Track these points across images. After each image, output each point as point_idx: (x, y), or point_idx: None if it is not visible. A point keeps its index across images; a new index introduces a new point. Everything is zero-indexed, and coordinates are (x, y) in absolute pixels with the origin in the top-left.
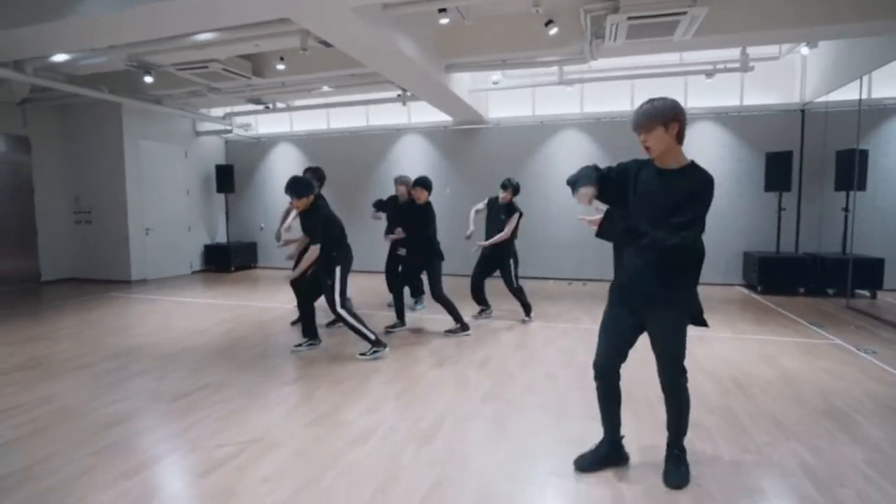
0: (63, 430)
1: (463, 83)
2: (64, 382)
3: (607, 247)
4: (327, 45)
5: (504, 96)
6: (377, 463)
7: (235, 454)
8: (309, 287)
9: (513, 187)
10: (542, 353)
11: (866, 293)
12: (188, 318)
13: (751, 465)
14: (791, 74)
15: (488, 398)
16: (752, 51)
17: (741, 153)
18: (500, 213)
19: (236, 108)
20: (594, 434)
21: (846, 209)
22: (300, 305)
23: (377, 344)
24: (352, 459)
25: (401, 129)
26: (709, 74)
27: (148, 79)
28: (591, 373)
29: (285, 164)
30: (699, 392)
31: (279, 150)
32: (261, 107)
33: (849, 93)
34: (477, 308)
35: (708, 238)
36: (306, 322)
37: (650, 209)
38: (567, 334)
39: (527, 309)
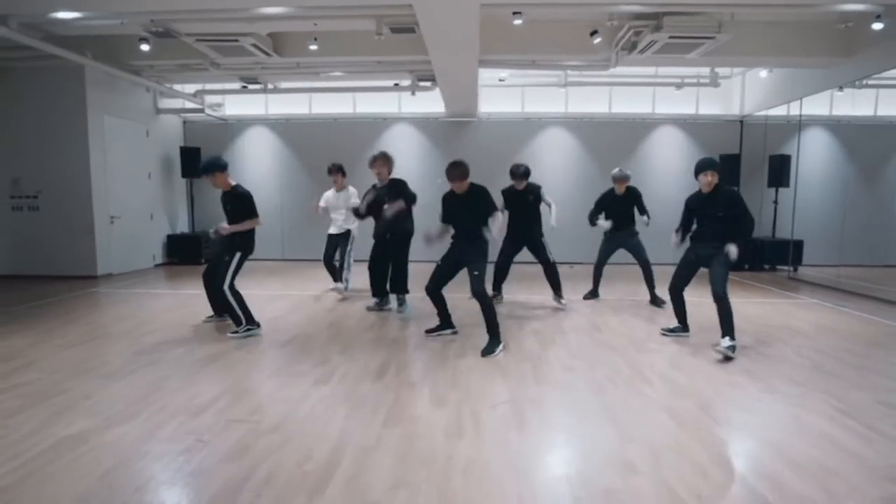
0: (363, 413)
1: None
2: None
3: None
4: (402, 31)
5: (494, 92)
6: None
7: (515, 411)
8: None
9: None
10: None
11: (788, 268)
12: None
13: None
14: (730, 92)
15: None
16: (704, 71)
17: (697, 154)
18: (529, 195)
19: (207, 86)
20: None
21: (775, 202)
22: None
23: (251, 322)
24: (669, 405)
25: (389, 118)
26: (678, 87)
27: (145, 47)
28: None
29: (258, 149)
30: (804, 334)
31: (251, 134)
32: (243, 85)
33: (775, 110)
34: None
35: (668, 227)
36: (232, 309)
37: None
38: (627, 306)
39: (558, 287)
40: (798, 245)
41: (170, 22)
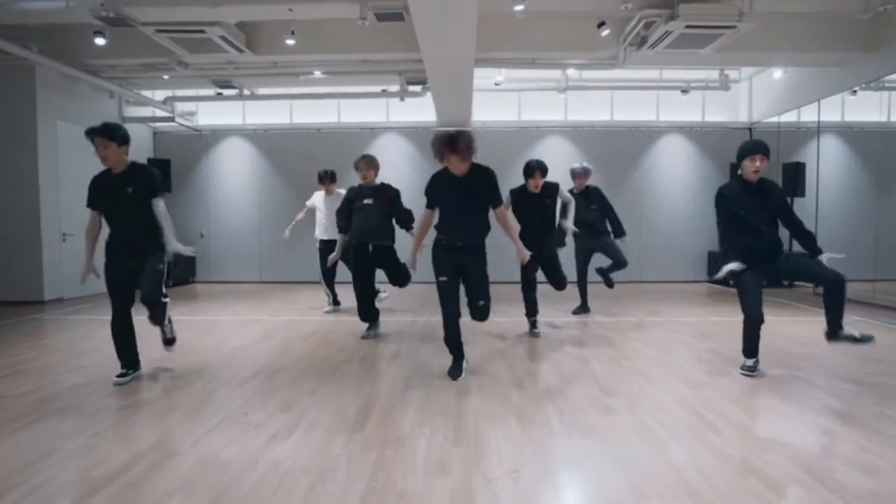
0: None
1: None
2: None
3: None
4: (389, 17)
5: (488, 98)
6: None
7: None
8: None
9: (541, 169)
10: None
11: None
12: (207, 336)
13: None
14: (737, 99)
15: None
16: (713, 74)
17: (703, 164)
18: (545, 198)
19: (178, 92)
20: None
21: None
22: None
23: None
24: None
25: (376, 127)
26: (684, 91)
27: (100, 40)
28: None
29: (234, 161)
30: (881, 360)
31: (227, 145)
32: (218, 91)
33: (785, 116)
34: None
35: (676, 239)
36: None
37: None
38: (650, 326)
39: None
40: None
41: (122, 6)
